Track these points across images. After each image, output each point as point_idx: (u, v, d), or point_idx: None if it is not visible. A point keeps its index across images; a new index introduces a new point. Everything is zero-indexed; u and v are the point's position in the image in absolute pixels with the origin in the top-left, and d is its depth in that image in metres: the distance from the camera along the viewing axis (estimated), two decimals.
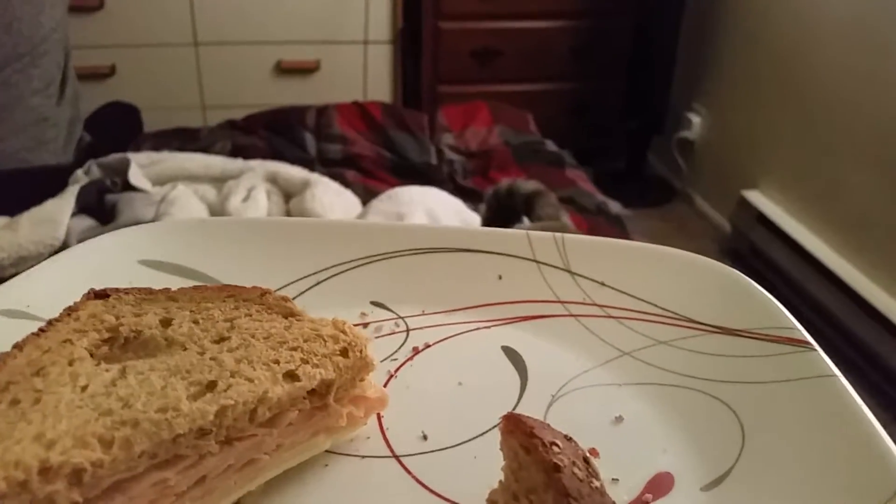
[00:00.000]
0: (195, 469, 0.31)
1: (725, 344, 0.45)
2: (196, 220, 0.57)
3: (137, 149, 1.60)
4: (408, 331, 0.50)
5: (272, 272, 0.53)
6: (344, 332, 0.38)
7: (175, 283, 0.51)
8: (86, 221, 1.26)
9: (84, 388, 0.32)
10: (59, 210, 1.18)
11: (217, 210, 1.39)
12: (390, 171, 1.66)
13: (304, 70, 2.22)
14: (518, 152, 1.72)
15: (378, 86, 2.28)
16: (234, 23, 2.13)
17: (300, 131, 1.73)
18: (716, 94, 2.35)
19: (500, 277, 0.53)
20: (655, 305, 0.49)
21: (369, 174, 1.64)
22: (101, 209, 1.28)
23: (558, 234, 0.55)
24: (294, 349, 0.36)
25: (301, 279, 0.54)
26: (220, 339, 0.36)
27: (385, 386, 0.44)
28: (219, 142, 1.65)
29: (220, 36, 2.15)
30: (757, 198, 2.09)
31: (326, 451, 0.38)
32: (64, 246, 1.17)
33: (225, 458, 0.32)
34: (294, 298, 0.52)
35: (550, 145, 1.76)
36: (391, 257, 0.55)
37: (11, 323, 0.44)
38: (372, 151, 1.70)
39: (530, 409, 0.42)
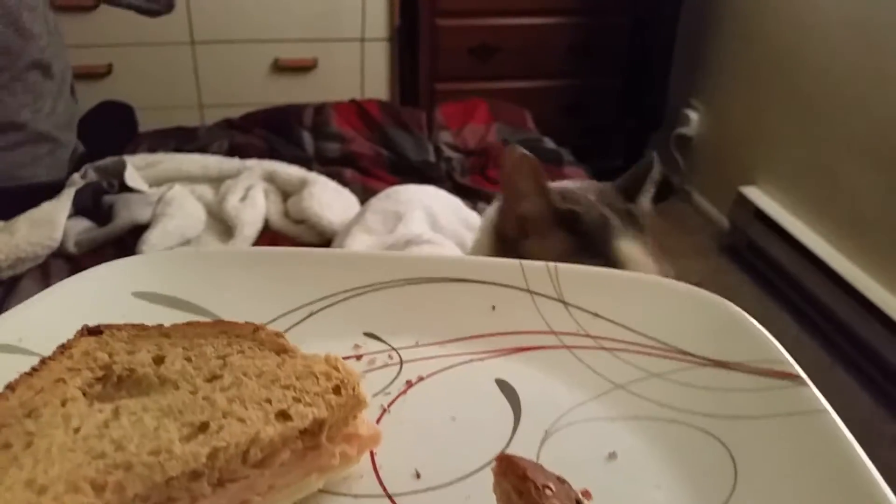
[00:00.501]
0: None
1: (717, 377, 0.45)
2: (190, 250, 0.57)
3: (134, 150, 1.59)
4: (401, 363, 0.50)
5: (266, 303, 0.53)
6: (336, 368, 0.38)
7: (169, 315, 0.51)
8: (83, 223, 1.26)
9: (77, 430, 0.32)
10: (56, 212, 1.18)
11: (215, 210, 1.39)
12: (388, 169, 1.65)
13: (302, 68, 2.23)
14: None
15: (375, 83, 2.28)
16: (231, 21, 2.14)
17: (298, 130, 1.73)
18: (714, 91, 2.36)
19: (493, 308, 0.53)
20: (648, 337, 0.49)
21: (367, 173, 1.63)
22: (97, 211, 1.28)
23: (551, 264, 0.55)
24: (286, 387, 0.36)
25: (295, 310, 0.54)
26: (213, 378, 0.36)
27: (378, 421, 0.44)
28: (216, 141, 1.65)
29: (216, 34, 2.15)
30: (755, 194, 2.10)
31: (320, 490, 0.38)
32: (61, 247, 1.17)
33: (217, 500, 0.32)
34: (288, 330, 0.53)
35: (548, 143, 1.76)
36: (385, 287, 0.55)
37: (4, 357, 0.44)
38: (370, 150, 1.69)
39: (524, 444, 0.42)
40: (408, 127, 1.74)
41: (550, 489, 0.30)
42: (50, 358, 0.37)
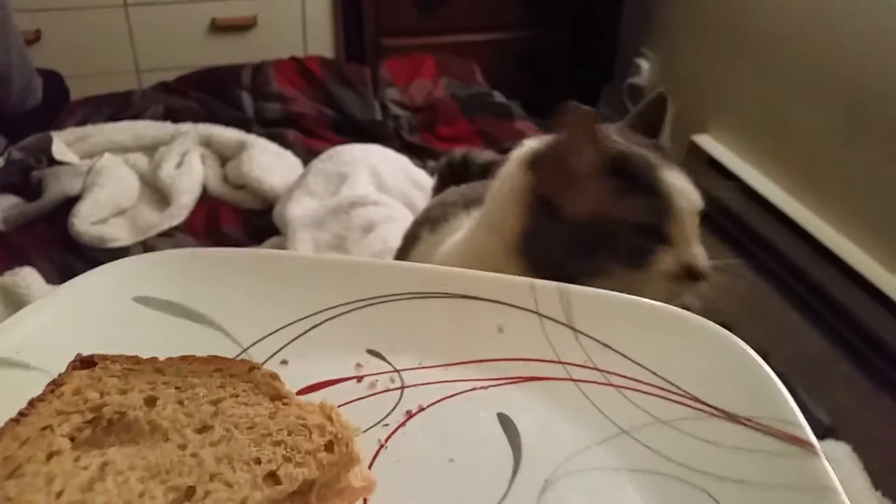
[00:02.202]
0: None
1: (727, 432, 0.43)
2: (190, 252, 0.56)
3: (64, 121, 1.56)
4: (402, 388, 0.48)
5: (269, 312, 0.52)
6: (330, 419, 0.37)
7: (170, 322, 0.50)
8: (10, 199, 1.24)
9: (59, 495, 0.31)
10: None
11: (150, 178, 1.36)
12: (333, 129, 1.62)
13: (241, 27, 2.16)
14: (465, 105, 1.68)
15: (319, 41, 2.22)
16: None
17: (236, 91, 1.69)
18: (664, 39, 2.34)
19: (500, 330, 0.52)
20: (659, 377, 0.48)
21: (311, 133, 1.60)
22: (26, 187, 1.26)
23: (562, 286, 0.53)
24: (277, 444, 0.35)
25: (298, 321, 0.52)
26: (203, 429, 0.35)
27: (374, 457, 0.43)
28: (151, 106, 1.61)
29: None
30: (707, 142, 2.11)
31: None
32: None
33: None
34: (289, 343, 0.52)
35: (498, 97, 1.73)
36: (390, 301, 0.54)
37: (2, 373, 0.43)
38: (313, 109, 1.65)
39: (521, 495, 0.41)
40: (352, 84, 1.70)
41: None
42: (39, 399, 0.36)
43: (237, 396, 0.38)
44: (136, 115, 1.56)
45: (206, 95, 1.66)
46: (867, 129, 1.66)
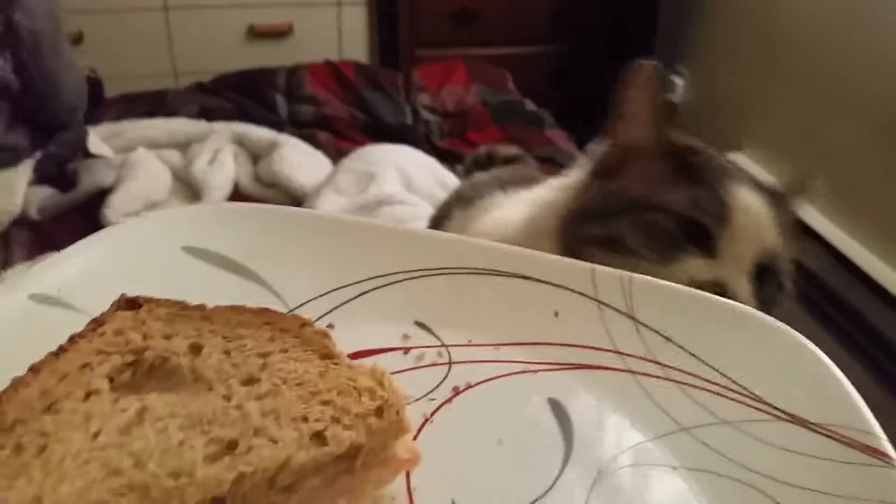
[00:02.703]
0: None
1: (794, 436, 0.41)
2: (245, 206, 0.54)
3: (101, 118, 1.56)
4: (450, 364, 0.46)
5: (319, 274, 0.50)
6: (381, 384, 0.35)
7: (217, 275, 0.49)
8: (46, 190, 1.25)
9: (95, 436, 0.29)
10: (15, 179, 1.19)
11: (182, 174, 1.37)
12: (364, 132, 1.62)
13: (277, 34, 2.17)
14: (496, 112, 1.67)
15: (353, 49, 2.22)
16: None
17: (270, 93, 1.70)
18: (699, 56, 2.30)
19: (556, 314, 0.49)
20: (724, 375, 0.45)
21: (342, 136, 1.60)
22: (62, 178, 1.27)
23: (626, 274, 0.50)
24: (325, 403, 0.33)
25: (348, 286, 0.51)
26: (250, 381, 0.34)
27: (419, 431, 0.41)
28: (186, 105, 1.61)
29: (190, 0, 2.10)
30: (742, 160, 2.05)
31: None
32: (24, 214, 1.16)
33: None
34: (338, 307, 0.50)
35: (529, 105, 1.71)
36: (444, 274, 0.51)
37: (41, 309, 0.42)
38: (344, 112, 1.65)
39: (572, 485, 0.39)
40: (384, 89, 1.70)
41: None
42: (80, 335, 0.35)
43: (286, 352, 0.36)
44: (171, 114, 1.57)
45: (240, 96, 1.68)
46: None
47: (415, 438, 0.40)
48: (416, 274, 0.51)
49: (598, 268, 0.51)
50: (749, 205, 0.64)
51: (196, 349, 0.35)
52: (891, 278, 1.64)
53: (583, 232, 0.67)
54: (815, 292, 1.71)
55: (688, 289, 0.50)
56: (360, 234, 0.53)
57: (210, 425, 0.31)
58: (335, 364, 0.36)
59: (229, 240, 0.51)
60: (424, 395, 0.44)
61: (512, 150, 1.17)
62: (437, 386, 0.45)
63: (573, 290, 0.50)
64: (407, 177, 1.32)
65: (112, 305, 0.37)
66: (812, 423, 0.41)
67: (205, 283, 0.47)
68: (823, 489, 0.38)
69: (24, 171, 1.20)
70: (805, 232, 1.81)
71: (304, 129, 1.58)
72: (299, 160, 1.39)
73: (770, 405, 0.43)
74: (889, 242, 1.67)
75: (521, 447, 0.41)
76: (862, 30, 1.67)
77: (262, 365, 0.35)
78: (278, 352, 0.36)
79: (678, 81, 2.33)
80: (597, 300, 0.50)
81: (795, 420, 0.41)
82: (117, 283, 0.42)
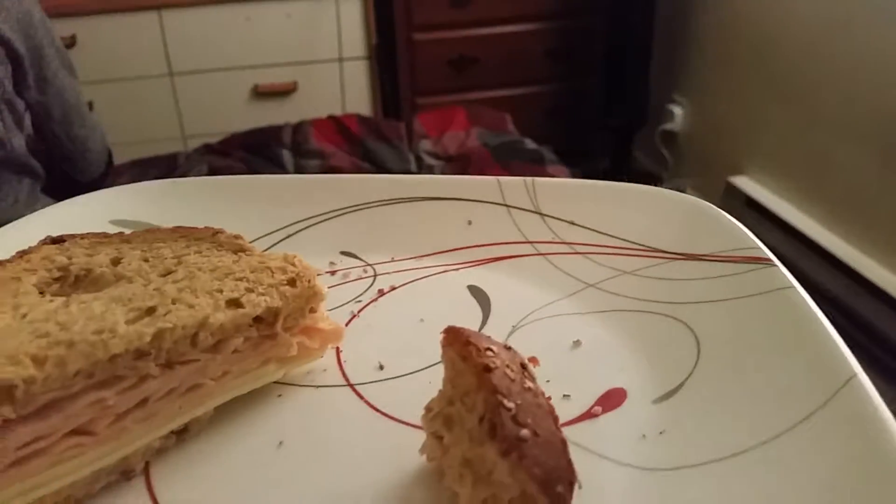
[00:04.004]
0: (136, 391, 0.32)
1: (688, 269, 0.44)
2: (167, 181, 0.57)
3: (113, 181, 1.58)
4: (375, 276, 0.50)
5: (242, 229, 0.53)
6: (293, 264, 0.38)
7: None
8: None
9: (24, 316, 0.32)
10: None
11: None
12: None
13: (282, 92, 2.22)
14: (497, 152, 1.71)
15: (357, 102, 2.27)
16: (207, 51, 2.13)
17: (277, 149, 1.72)
18: (695, 84, 2.33)
19: (469, 223, 0.53)
20: (622, 239, 0.49)
21: None
22: None
23: (528, 179, 0.54)
24: (239, 279, 0.36)
25: (272, 233, 0.54)
26: (167, 273, 0.37)
27: (347, 325, 0.44)
28: (196, 167, 1.64)
29: (194, 65, 2.15)
30: (745, 183, 2.08)
31: (281, 382, 0.38)
32: None
33: (167, 382, 0.33)
34: (264, 252, 0.53)
35: (529, 143, 1.74)
36: (361, 209, 0.55)
37: None
38: (350, 164, 1.68)
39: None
40: (387, 138, 1.73)
41: (492, 350, 0.30)
42: (7, 260, 0.37)
43: (201, 252, 0.39)
44: (182, 176, 1.59)
45: (248, 155, 1.70)
46: None
47: (346, 327, 0.43)
48: (337, 213, 0.55)
49: (504, 178, 0.55)
50: None
51: (116, 261, 0.38)
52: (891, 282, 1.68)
53: None
54: (831, 309, 1.72)
55: (582, 181, 0.54)
56: (275, 187, 0.57)
57: (130, 301, 0.33)
58: (248, 254, 0.39)
59: (154, 210, 0.54)
60: (352, 300, 0.47)
61: None
62: (364, 292, 0.48)
63: (484, 201, 0.54)
64: None
65: (38, 243, 0.40)
66: (703, 255, 0.44)
67: None
68: (712, 298, 0.41)
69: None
70: (813, 249, 1.79)
71: None
72: None
73: (665, 251, 0.46)
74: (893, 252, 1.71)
75: (441, 321, 0.44)
76: (858, 50, 1.70)
77: (177, 262, 0.38)
78: (193, 253, 0.39)
79: (677, 110, 2.39)
80: (506, 205, 0.53)
81: (689, 256, 0.45)
82: None
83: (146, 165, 1.71)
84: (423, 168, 1.68)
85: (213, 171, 1.61)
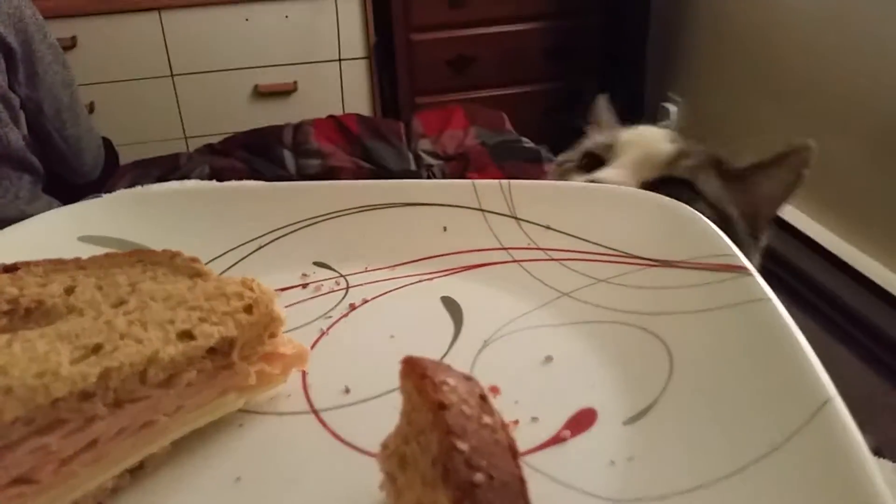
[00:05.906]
0: (82, 433, 0.30)
1: (663, 276, 0.43)
2: (136, 191, 0.56)
3: (114, 184, 1.57)
4: (347, 288, 0.48)
5: (214, 239, 0.52)
6: (251, 289, 0.37)
7: None
8: None
9: None
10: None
11: None
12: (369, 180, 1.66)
13: (283, 92, 2.23)
14: (495, 151, 1.72)
15: (356, 102, 2.28)
16: (208, 51, 2.13)
17: (278, 149, 1.73)
18: (691, 82, 2.34)
19: (444, 229, 0.52)
20: (598, 244, 0.48)
21: None
22: None
23: (504, 182, 0.53)
24: (193, 308, 0.35)
25: (243, 244, 0.53)
26: (119, 303, 0.35)
27: (315, 344, 0.43)
28: (197, 167, 1.65)
29: (195, 66, 2.15)
30: None
31: (244, 410, 0.37)
32: None
33: (117, 421, 0.31)
34: (235, 264, 0.52)
35: (527, 142, 1.75)
36: (334, 217, 0.54)
37: None
38: (350, 163, 1.69)
39: (460, 355, 0.41)
40: (386, 138, 1.74)
41: (448, 384, 0.29)
42: None
43: (156, 278, 0.38)
44: (184, 176, 1.59)
45: (249, 155, 1.70)
46: None
47: (311, 349, 0.42)
48: (309, 222, 0.54)
49: (480, 181, 0.53)
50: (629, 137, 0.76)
51: (70, 290, 0.37)
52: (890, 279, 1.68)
53: None
54: (826, 305, 1.72)
55: (559, 182, 0.53)
56: (245, 197, 0.55)
57: (77, 338, 0.32)
58: (204, 280, 0.38)
59: (124, 223, 0.52)
60: (322, 315, 0.46)
61: None
62: (335, 306, 0.46)
63: (459, 206, 0.53)
64: None
65: None
66: (677, 262, 0.43)
67: None
68: (686, 309, 0.40)
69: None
70: (806, 242, 1.80)
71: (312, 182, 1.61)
72: None
73: (639, 257, 0.45)
74: (892, 250, 1.71)
75: (412, 337, 0.43)
76: (851, 47, 1.71)
77: (130, 290, 0.37)
78: (148, 280, 0.38)
79: (672, 108, 2.38)
80: (481, 209, 0.52)
81: (664, 263, 0.44)
82: None
83: (148, 166, 1.72)
84: (421, 167, 1.68)
85: (214, 172, 1.62)
